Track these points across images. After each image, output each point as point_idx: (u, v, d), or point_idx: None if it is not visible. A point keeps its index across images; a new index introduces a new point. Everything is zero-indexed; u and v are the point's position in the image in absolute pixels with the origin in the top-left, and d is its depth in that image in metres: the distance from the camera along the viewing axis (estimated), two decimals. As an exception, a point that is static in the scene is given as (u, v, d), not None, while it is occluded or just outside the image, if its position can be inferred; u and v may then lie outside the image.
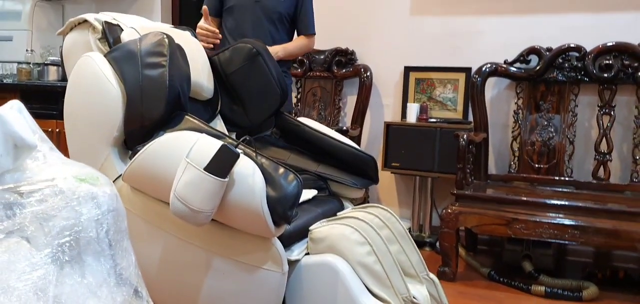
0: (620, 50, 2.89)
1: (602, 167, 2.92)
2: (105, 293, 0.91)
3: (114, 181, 1.66)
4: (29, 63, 3.76)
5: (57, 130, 3.43)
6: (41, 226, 0.89)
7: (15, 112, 1.01)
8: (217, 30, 2.50)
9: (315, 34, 2.75)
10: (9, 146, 0.97)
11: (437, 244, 2.92)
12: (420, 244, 3.23)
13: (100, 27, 1.80)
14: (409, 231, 3.28)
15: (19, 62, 3.76)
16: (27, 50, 3.82)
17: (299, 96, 3.60)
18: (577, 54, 2.97)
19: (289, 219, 1.51)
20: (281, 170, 1.52)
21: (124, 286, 0.97)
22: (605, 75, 2.91)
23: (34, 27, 3.88)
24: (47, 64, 3.73)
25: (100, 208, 0.97)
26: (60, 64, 3.18)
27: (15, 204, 0.91)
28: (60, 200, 0.92)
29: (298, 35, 2.75)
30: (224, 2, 2.69)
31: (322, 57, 3.53)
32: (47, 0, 4.15)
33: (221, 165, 1.43)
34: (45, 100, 3.44)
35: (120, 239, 1.01)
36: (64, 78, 1.60)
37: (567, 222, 2.48)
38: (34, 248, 0.87)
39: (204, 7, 2.53)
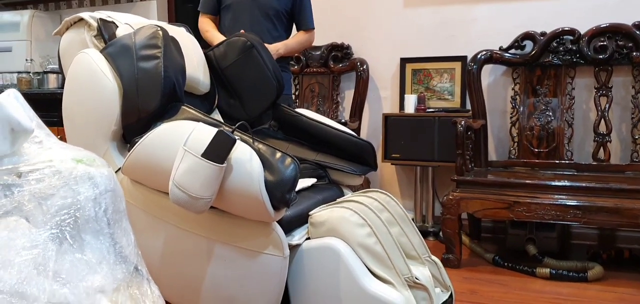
0: (614, 31, 2.89)
1: (602, 149, 2.92)
2: (105, 270, 0.93)
3: (113, 175, 1.67)
4: (29, 72, 3.78)
5: (59, 137, 3.43)
6: (39, 204, 0.90)
7: (12, 98, 1.03)
8: None
9: (314, 28, 2.76)
10: (6, 130, 0.99)
11: (441, 233, 2.92)
12: (423, 234, 3.23)
13: (95, 24, 1.81)
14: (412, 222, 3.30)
15: (19, 72, 3.79)
16: (26, 60, 3.86)
17: (297, 93, 3.62)
18: (571, 37, 2.97)
19: (287, 202, 1.52)
20: (278, 154, 1.53)
21: (124, 263, 0.98)
22: (601, 56, 2.91)
23: (32, 37, 3.92)
24: (46, 72, 3.76)
25: (97, 188, 0.98)
26: (59, 72, 3.21)
27: (13, 185, 0.92)
28: (58, 180, 0.94)
29: (297, 30, 2.76)
30: (222, 0, 2.70)
31: (318, 53, 3.54)
32: (45, 11, 4.19)
33: (218, 151, 1.44)
34: (46, 108, 3.44)
35: (119, 219, 1.03)
36: (63, 84, 1.63)
37: (568, 202, 2.48)
38: (33, 226, 0.89)
39: None
